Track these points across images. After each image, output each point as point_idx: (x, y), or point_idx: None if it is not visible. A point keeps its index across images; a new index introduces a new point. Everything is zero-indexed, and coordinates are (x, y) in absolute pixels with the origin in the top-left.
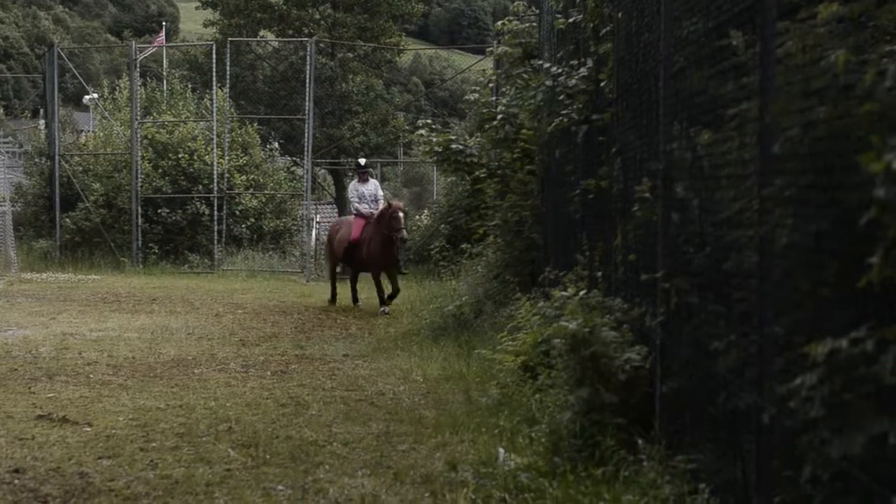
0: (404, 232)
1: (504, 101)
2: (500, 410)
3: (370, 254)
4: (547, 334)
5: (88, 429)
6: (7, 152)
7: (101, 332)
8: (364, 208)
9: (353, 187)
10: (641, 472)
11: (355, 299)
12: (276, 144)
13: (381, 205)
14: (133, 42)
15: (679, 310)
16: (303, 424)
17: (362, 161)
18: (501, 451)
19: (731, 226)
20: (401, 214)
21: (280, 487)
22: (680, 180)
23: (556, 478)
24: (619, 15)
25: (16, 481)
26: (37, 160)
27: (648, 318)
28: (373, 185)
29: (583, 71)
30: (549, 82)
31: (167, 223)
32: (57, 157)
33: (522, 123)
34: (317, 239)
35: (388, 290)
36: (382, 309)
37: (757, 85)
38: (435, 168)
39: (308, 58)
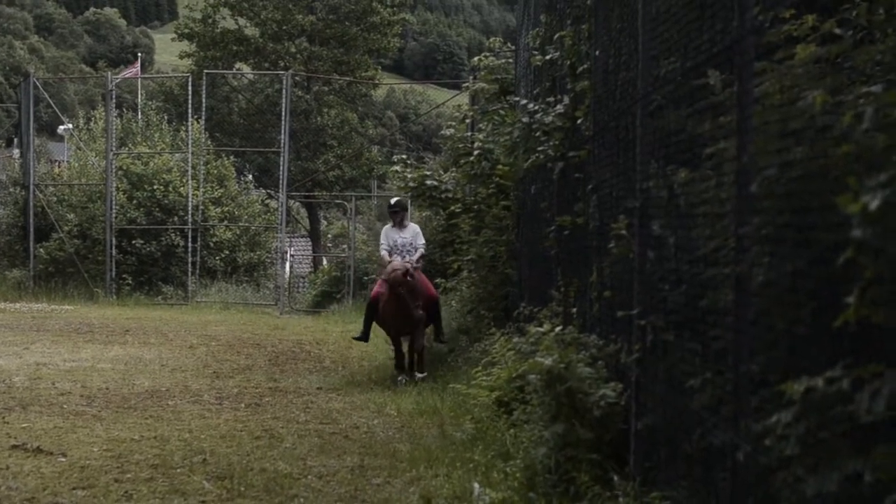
0: (411, 282)
1: (480, 136)
2: (475, 445)
3: (383, 313)
4: (522, 370)
5: (63, 459)
6: None
7: (74, 363)
8: (390, 260)
9: (385, 233)
10: None
11: (398, 365)
12: (251, 177)
13: (422, 252)
14: (108, 73)
15: (654, 347)
16: (277, 457)
17: (393, 200)
18: (476, 485)
19: (708, 264)
20: (401, 273)
21: None
22: (656, 218)
23: None
24: (597, 53)
25: None
26: (11, 189)
27: (624, 354)
28: (410, 233)
29: (559, 108)
30: (525, 119)
31: (141, 254)
32: (31, 187)
33: (498, 159)
34: (290, 271)
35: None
36: (400, 378)
37: (734, 124)
38: (409, 202)
39: (284, 91)
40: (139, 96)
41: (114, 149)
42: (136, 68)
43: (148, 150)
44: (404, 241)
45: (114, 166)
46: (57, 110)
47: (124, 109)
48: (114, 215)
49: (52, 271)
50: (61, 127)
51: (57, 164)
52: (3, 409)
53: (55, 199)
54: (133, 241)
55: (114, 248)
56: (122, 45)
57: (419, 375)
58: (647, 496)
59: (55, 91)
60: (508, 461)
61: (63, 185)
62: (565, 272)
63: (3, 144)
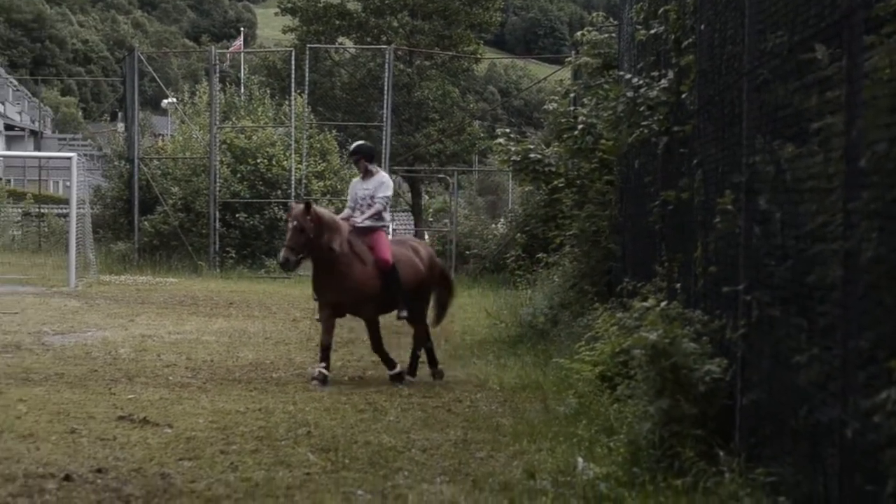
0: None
1: (584, 111)
2: (578, 420)
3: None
4: (626, 345)
5: (169, 430)
6: (86, 155)
7: (179, 335)
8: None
9: (350, 188)
10: (721, 484)
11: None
12: None
13: (377, 208)
14: (213, 47)
15: (760, 322)
16: (381, 430)
17: (353, 145)
18: (580, 460)
19: (815, 239)
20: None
21: (360, 492)
22: (763, 193)
23: (636, 488)
24: (702, 27)
25: (98, 481)
26: (116, 163)
27: (729, 330)
28: (374, 183)
29: (664, 83)
30: (629, 93)
31: (244, 228)
32: (136, 161)
33: (601, 134)
34: None
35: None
36: (318, 374)
37: (843, 99)
38: (511, 177)
39: (386, 65)
40: (242, 71)
41: (217, 123)
42: (239, 43)
43: (251, 125)
44: (365, 194)
45: (217, 140)
46: (161, 84)
47: (227, 84)
48: (217, 189)
49: (157, 244)
50: (165, 101)
51: (160, 137)
52: (109, 381)
53: (159, 172)
54: (236, 215)
55: (217, 221)
56: (225, 19)
57: (409, 379)
58: (752, 472)
59: (159, 65)
60: (612, 436)
61: (167, 159)
62: (669, 247)
63: (108, 118)
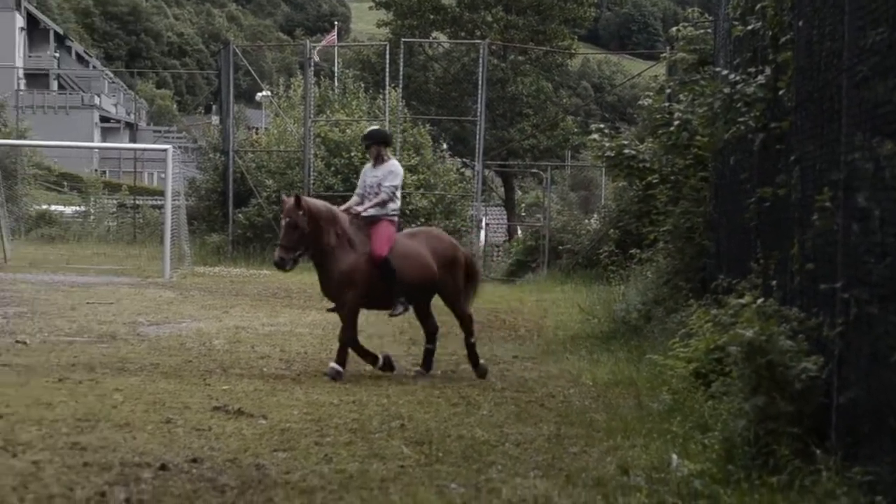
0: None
1: (680, 107)
2: (672, 416)
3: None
4: (721, 341)
5: (263, 421)
6: (181, 147)
7: (273, 327)
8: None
9: (361, 175)
10: (817, 483)
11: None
12: (446, 145)
13: (382, 197)
14: (307, 41)
15: (858, 320)
16: (474, 424)
17: (367, 130)
18: (674, 456)
19: None
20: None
21: (453, 486)
22: (862, 190)
23: (731, 485)
24: (800, 23)
25: (194, 470)
26: (210, 156)
27: (826, 328)
28: (384, 171)
29: (761, 79)
30: (726, 89)
31: None
32: (231, 153)
33: (696, 130)
34: (485, 240)
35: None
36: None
37: None
38: (603, 172)
39: (480, 60)
40: (336, 64)
41: (312, 116)
42: (334, 37)
43: (345, 118)
44: (374, 182)
45: (312, 133)
46: (256, 77)
47: (322, 77)
48: (311, 182)
49: (251, 236)
50: (259, 94)
51: (255, 130)
52: (204, 372)
53: (254, 165)
54: None
55: None
56: (319, 13)
57: (417, 370)
58: (848, 471)
59: (253, 59)
60: (706, 433)
61: (261, 152)
62: (765, 244)
63: (203, 111)
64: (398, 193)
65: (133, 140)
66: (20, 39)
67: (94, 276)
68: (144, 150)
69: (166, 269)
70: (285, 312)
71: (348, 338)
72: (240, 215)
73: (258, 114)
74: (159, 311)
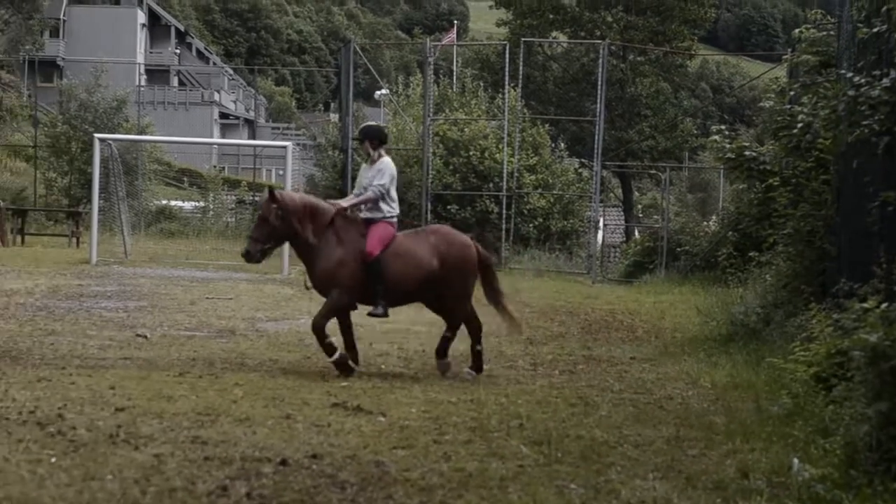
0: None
1: (803, 109)
2: (792, 420)
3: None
4: (843, 346)
5: (382, 419)
6: (299, 144)
7: (391, 325)
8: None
9: (359, 174)
10: None
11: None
12: (563, 145)
13: (368, 195)
14: (427, 39)
15: None
16: (593, 424)
17: (361, 127)
18: (795, 460)
19: None
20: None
21: (573, 486)
22: None
23: (853, 490)
24: None
25: (314, 466)
26: (329, 153)
27: None
28: (376, 169)
29: (886, 81)
30: (850, 92)
31: (456, 219)
32: (350, 151)
33: (818, 132)
34: (603, 240)
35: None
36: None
37: None
38: (721, 174)
39: (600, 60)
40: (454, 63)
41: (431, 115)
42: (453, 35)
43: (464, 117)
44: (367, 182)
45: (431, 132)
46: (376, 75)
47: (441, 76)
48: (430, 180)
49: None
50: (378, 92)
51: None
52: (322, 368)
53: None
54: (448, 206)
55: (429, 212)
56: (438, 12)
57: (471, 373)
58: None
59: (372, 57)
60: (828, 438)
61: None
62: (889, 248)
63: (322, 108)
64: (392, 194)
65: (252, 136)
66: (142, 36)
67: (213, 271)
68: (264, 146)
69: (285, 266)
70: (403, 310)
71: (319, 324)
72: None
73: (376, 112)
74: (277, 307)
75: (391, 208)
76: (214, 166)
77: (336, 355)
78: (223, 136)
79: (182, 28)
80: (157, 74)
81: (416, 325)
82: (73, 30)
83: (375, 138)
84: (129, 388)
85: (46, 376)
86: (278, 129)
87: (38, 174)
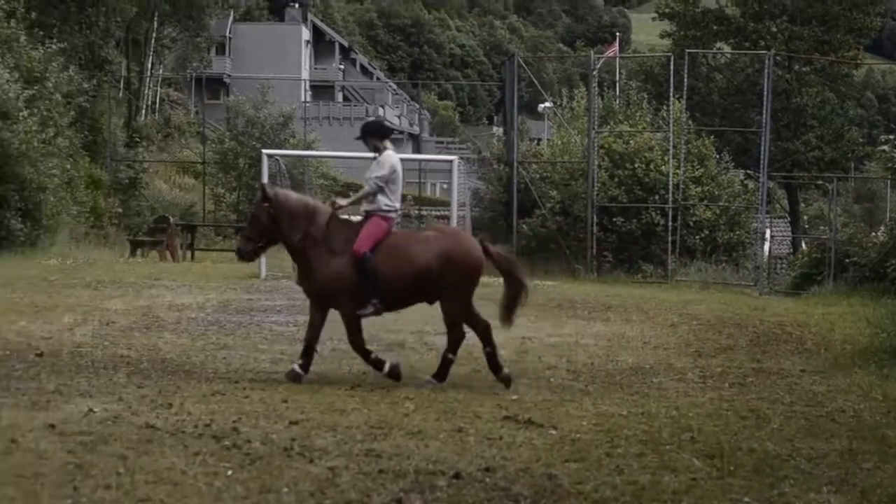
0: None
1: None
2: None
3: None
4: None
5: (553, 432)
6: (464, 158)
7: (558, 338)
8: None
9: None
10: None
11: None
12: (728, 157)
13: (365, 190)
14: (591, 52)
15: None
16: (765, 437)
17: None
18: None
19: None
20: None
21: (746, 499)
22: None
23: None
24: None
25: (487, 479)
26: (495, 166)
27: None
28: (377, 165)
29: None
30: None
31: (622, 232)
32: (515, 164)
33: None
34: (769, 252)
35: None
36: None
37: None
38: (889, 184)
39: (765, 71)
40: (617, 75)
41: (595, 127)
42: (615, 48)
43: (629, 129)
44: (369, 178)
45: (596, 145)
46: (540, 88)
47: (604, 88)
48: (595, 193)
49: (534, 247)
50: (541, 105)
51: (535, 142)
52: (492, 381)
53: (537, 176)
54: (614, 219)
55: (595, 225)
56: (600, 24)
57: (434, 382)
58: None
59: (534, 70)
60: None
61: (545, 163)
62: None
63: (485, 121)
64: (392, 187)
65: (416, 151)
66: (306, 52)
67: None
68: (429, 160)
69: None
70: (570, 323)
71: (354, 342)
72: (524, 226)
73: (540, 125)
74: None
75: (390, 202)
76: None
77: (386, 367)
78: None
79: (346, 44)
80: (321, 90)
81: (584, 337)
82: (239, 47)
83: (372, 132)
84: (301, 401)
85: (220, 390)
86: (442, 143)
87: (206, 190)
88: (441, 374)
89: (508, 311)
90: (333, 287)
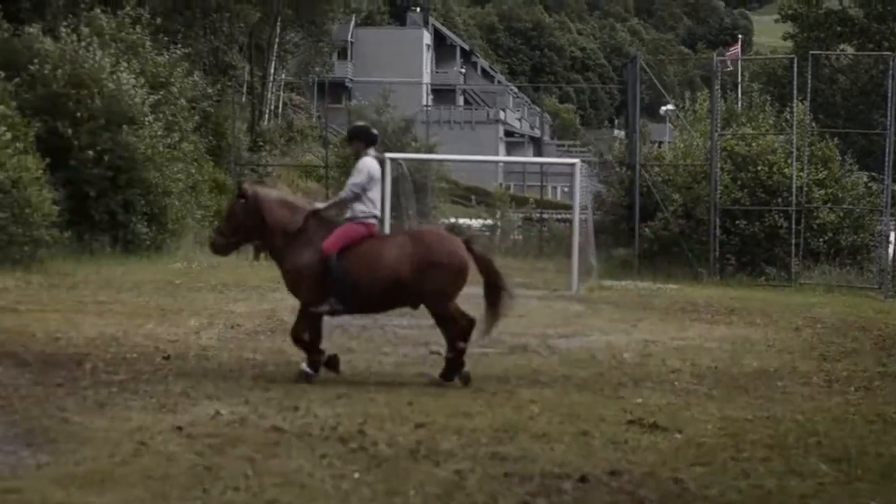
0: None
1: None
2: None
3: None
4: None
5: (678, 436)
6: (586, 161)
7: (682, 341)
8: None
9: None
10: None
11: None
12: (852, 159)
13: (341, 196)
14: (714, 54)
15: None
16: (892, 442)
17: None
18: None
19: None
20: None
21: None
22: None
23: None
24: None
25: (613, 483)
26: (616, 169)
27: None
28: (354, 170)
29: None
30: None
31: (744, 235)
32: (637, 167)
33: None
34: (894, 255)
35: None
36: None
37: None
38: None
39: (890, 72)
40: (739, 77)
41: (718, 130)
42: (737, 50)
43: (751, 132)
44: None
45: (718, 147)
46: (663, 90)
47: (726, 90)
48: (718, 196)
49: (657, 250)
50: (663, 108)
51: (657, 144)
52: (616, 385)
53: (660, 179)
54: (736, 222)
55: (717, 228)
56: (721, 26)
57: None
58: None
59: (655, 72)
60: None
61: (668, 166)
62: None
63: (607, 124)
64: (370, 195)
65: (538, 154)
66: (427, 56)
67: None
68: (551, 164)
69: (574, 282)
70: (694, 326)
71: (296, 331)
72: (646, 229)
73: (661, 127)
74: (568, 323)
75: (366, 208)
76: (500, 184)
77: (309, 369)
78: (508, 154)
79: (467, 47)
80: (442, 94)
81: (707, 341)
82: (361, 51)
83: (356, 136)
84: (426, 404)
85: (346, 393)
86: (563, 146)
87: (329, 194)
88: (446, 374)
89: (489, 322)
90: (298, 279)
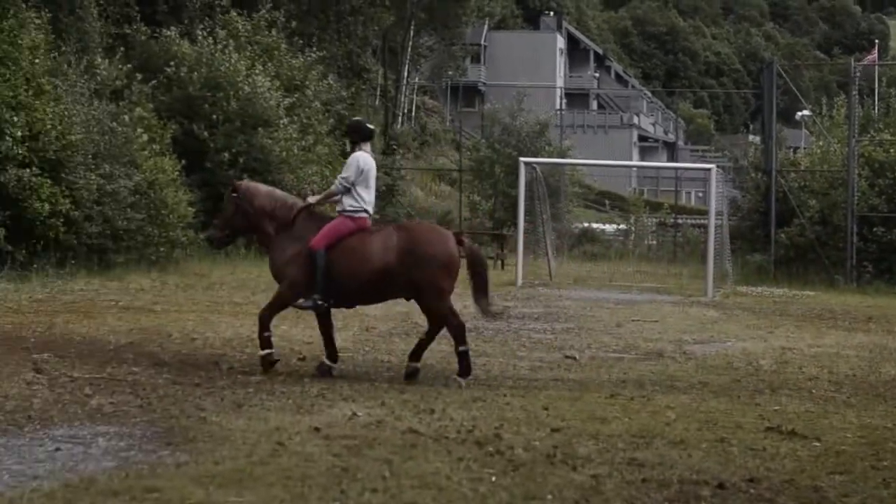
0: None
1: None
2: None
3: None
4: None
5: (817, 444)
6: (720, 166)
7: (819, 348)
8: None
9: None
10: None
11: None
12: None
13: (331, 190)
14: (851, 59)
15: None
16: None
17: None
18: None
19: None
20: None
21: None
22: None
23: None
24: None
25: (751, 490)
26: (752, 175)
27: None
28: (345, 165)
29: None
30: None
31: (882, 242)
32: (773, 173)
33: None
34: None
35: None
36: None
37: None
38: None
39: None
40: (876, 83)
41: (856, 136)
42: (874, 55)
43: (889, 138)
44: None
45: (856, 153)
46: (799, 96)
47: (863, 96)
48: (855, 202)
49: (793, 256)
50: (799, 113)
51: (792, 150)
52: (753, 391)
53: (796, 185)
54: (874, 229)
55: (854, 235)
56: (857, 31)
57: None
58: None
59: (791, 77)
60: None
61: (804, 172)
62: None
63: (743, 130)
64: (359, 190)
65: (672, 159)
66: (561, 60)
67: (637, 293)
68: (686, 169)
69: (709, 288)
70: (831, 333)
71: (264, 316)
72: (782, 235)
73: (797, 133)
74: (704, 329)
75: (355, 202)
76: (633, 189)
77: (266, 351)
78: (642, 159)
79: (600, 52)
80: (576, 98)
81: (844, 348)
82: (494, 55)
83: (356, 133)
84: (562, 408)
85: (481, 396)
86: (697, 151)
87: (462, 197)
88: (463, 369)
89: (478, 294)
90: (284, 272)
